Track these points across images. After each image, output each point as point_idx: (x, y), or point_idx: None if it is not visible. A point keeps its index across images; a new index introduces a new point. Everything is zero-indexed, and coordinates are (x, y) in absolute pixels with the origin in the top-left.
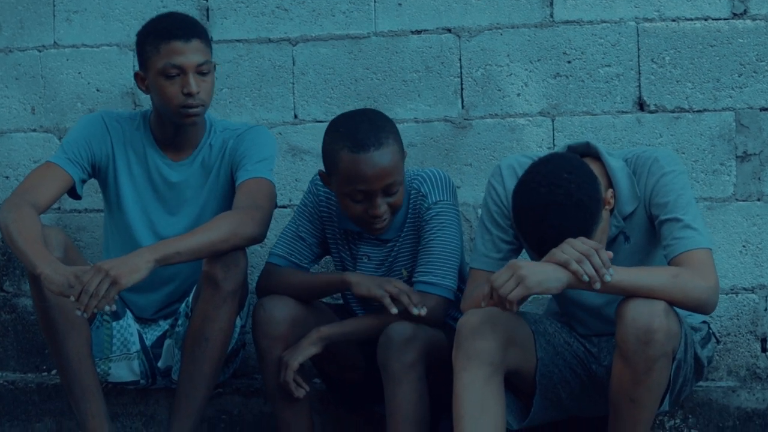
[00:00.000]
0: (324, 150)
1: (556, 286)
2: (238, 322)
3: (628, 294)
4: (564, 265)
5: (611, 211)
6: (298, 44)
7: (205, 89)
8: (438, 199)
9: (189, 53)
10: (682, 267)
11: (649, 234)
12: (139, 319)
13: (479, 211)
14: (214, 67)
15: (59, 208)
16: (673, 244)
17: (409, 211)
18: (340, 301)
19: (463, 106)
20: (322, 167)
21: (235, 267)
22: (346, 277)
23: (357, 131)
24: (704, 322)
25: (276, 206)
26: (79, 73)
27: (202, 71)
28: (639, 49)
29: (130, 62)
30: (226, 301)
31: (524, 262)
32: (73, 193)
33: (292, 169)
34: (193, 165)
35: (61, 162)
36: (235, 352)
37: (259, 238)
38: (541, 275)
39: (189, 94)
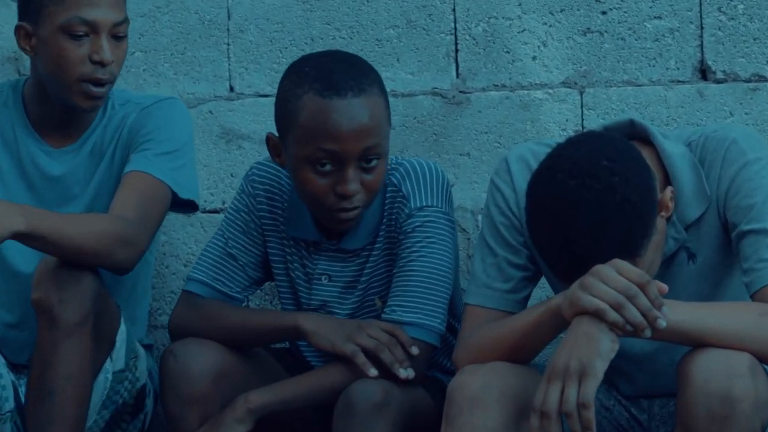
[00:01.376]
0: (279, 98)
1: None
2: (108, 366)
3: (694, 343)
4: (596, 315)
5: (668, 218)
6: None
7: (119, 59)
8: (424, 204)
9: (106, 6)
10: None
11: (724, 250)
12: (14, 367)
13: (480, 219)
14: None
15: None
16: (759, 268)
17: (385, 213)
18: (286, 344)
19: (458, 75)
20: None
21: (75, 285)
22: (300, 323)
23: (332, 71)
24: None
25: (162, 219)
26: None
27: (117, 34)
28: None
29: (13, 16)
30: (70, 337)
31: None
32: None
33: (226, 160)
34: (80, 153)
35: None
36: (129, 411)
37: (128, 270)
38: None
39: (100, 63)
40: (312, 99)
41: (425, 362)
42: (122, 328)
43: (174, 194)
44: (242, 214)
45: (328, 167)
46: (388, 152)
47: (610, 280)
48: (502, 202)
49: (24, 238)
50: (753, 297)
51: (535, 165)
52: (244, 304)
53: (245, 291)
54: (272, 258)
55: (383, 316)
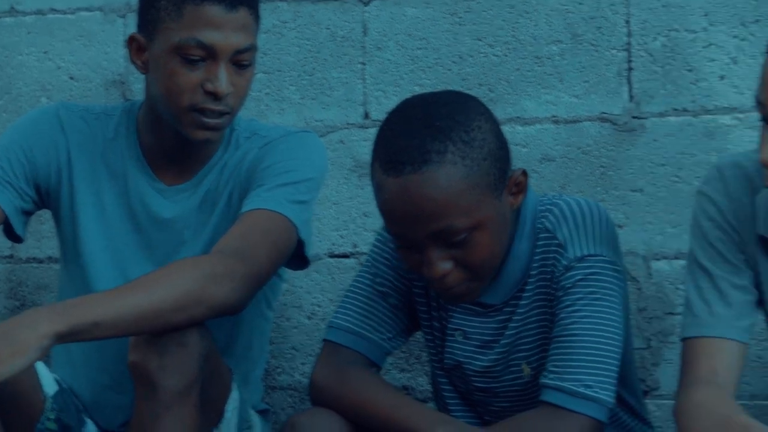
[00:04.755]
0: None
1: None
2: None
3: None
4: None
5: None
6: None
7: (239, 89)
8: (586, 253)
9: (230, 28)
10: None
11: None
12: None
13: (655, 265)
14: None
15: (11, 257)
16: None
17: (534, 263)
18: None
19: (631, 97)
20: None
21: (178, 348)
22: None
23: None
24: None
25: (286, 258)
26: (45, 52)
27: (241, 62)
28: None
29: (119, 35)
30: (172, 407)
31: None
32: (10, 231)
33: (359, 197)
34: (195, 193)
35: None
36: None
37: (235, 306)
38: None
39: (213, 94)
40: None
41: None
42: (234, 395)
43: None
44: (390, 244)
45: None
46: (490, 217)
47: None
48: (715, 213)
49: (69, 341)
50: None
51: (753, 171)
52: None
53: (395, 340)
54: (417, 299)
55: (542, 380)
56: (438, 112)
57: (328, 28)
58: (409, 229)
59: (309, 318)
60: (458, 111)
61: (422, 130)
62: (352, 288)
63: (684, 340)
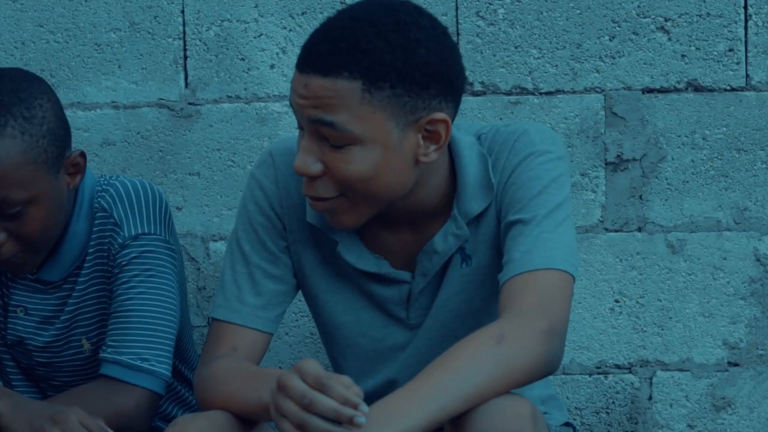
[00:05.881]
0: None
1: None
2: None
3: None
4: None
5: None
6: None
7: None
8: (141, 231)
9: None
10: (504, 320)
11: (499, 252)
12: None
13: (213, 245)
14: None
15: None
16: (513, 259)
17: (92, 242)
18: None
19: (187, 84)
20: None
21: None
22: None
23: None
24: (567, 424)
25: None
26: None
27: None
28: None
29: None
30: None
31: None
32: None
33: None
34: None
35: None
36: None
37: None
38: None
39: None
40: None
41: (150, 414)
42: None
43: None
44: None
45: None
46: (46, 193)
47: (291, 390)
48: (263, 199)
49: None
50: (500, 290)
51: None
52: None
53: None
54: None
55: (101, 354)
56: (2, 87)
57: None
58: None
59: None
60: (22, 89)
61: None
62: None
63: (213, 318)
